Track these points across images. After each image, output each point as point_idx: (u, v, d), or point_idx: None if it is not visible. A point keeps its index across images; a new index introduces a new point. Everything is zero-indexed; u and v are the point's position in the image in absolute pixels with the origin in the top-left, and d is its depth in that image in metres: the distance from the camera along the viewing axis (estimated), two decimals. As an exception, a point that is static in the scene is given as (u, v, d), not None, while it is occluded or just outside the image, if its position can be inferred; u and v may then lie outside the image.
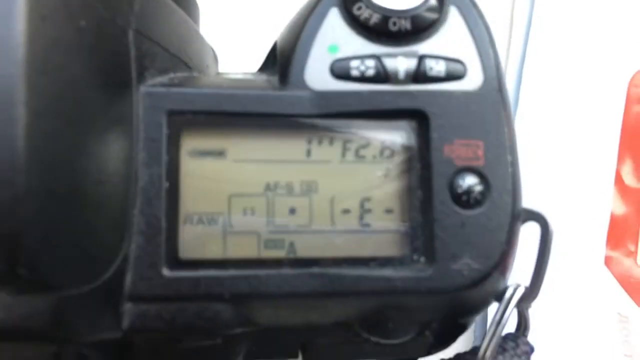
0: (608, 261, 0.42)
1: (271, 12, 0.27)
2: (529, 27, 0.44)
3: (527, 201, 0.41)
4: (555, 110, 0.43)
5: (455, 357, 0.23)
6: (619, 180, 0.42)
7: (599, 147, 0.43)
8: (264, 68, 0.24)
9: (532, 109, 0.43)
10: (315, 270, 0.20)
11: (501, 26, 0.44)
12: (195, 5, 0.28)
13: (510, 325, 0.23)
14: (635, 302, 0.41)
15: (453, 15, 0.22)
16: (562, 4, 0.44)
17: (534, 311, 0.39)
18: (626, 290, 0.41)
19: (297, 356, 0.24)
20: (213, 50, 0.28)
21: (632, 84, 0.43)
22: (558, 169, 0.43)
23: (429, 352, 0.24)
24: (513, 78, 0.44)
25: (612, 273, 0.42)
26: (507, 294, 0.22)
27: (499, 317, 0.22)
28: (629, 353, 0.39)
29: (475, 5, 0.22)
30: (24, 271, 0.16)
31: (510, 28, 0.45)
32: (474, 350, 0.22)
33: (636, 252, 0.42)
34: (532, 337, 0.39)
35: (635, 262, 0.42)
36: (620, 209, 0.42)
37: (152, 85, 0.20)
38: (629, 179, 0.42)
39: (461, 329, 0.23)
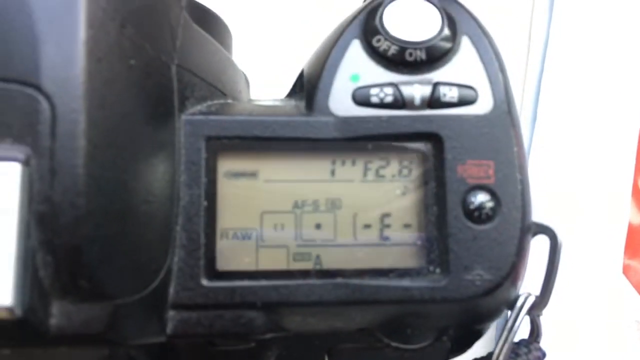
0: (626, 270, 0.43)
1: (299, 39, 0.29)
2: (547, 40, 0.46)
3: (547, 211, 0.42)
4: (573, 122, 0.44)
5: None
6: (636, 191, 0.43)
7: (617, 158, 0.44)
8: (292, 94, 0.26)
9: (551, 121, 0.44)
10: (339, 280, 0.22)
11: (520, 40, 0.45)
12: (228, 32, 0.31)
13: (524, 332, 0.24)
14: (653, 310, 0.42)
15: (465, 45, 0.23)
16: (579, 17, 0.45)
17: (554, 318, 0.40)
18: (644, 298, 0.42)
19: (323, 359, 0.26)
20: (245, 75, 0.30)
21: (649, 96, 0.44)
22: (577, 180, 0.44)
23: (447, 358, 0.26)
24: (532, 90, 0.45)
25: (630, 281, 0.43)
26: (519, 303, 0.23)
27: (510, 324, 0.23)
28: (647, 359, 0.40)
29: (486, 35, 0.24)
30: (84, 283, 0.18)
31: (529, 40, 0.46)
32: (489, 356, 0.24)
33: (654, 261, 0.43)
34: (551, 344, 0.41)
35: (653, 271, 0.43)
36: (637, 219, 0.43)
37: (192, 113, 0.22)
38: (646, 190, 0.43)
39: (477, 336, 0.25)
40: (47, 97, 0.18)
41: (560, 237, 0.24)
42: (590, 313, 0.42)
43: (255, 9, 0.38)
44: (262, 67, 0.33)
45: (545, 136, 0.44)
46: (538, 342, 0.26)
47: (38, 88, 0.17)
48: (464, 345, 0.25)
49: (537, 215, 0.40)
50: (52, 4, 0.18)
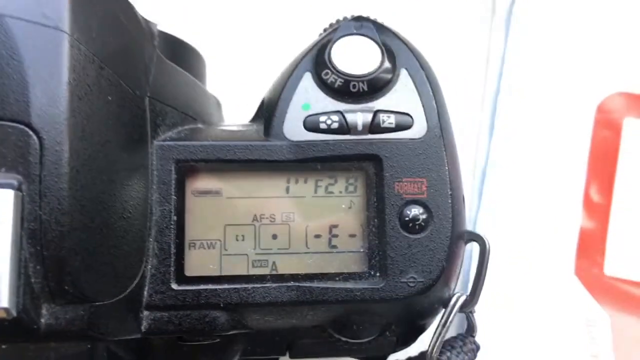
0: (578, 270, 0.46)
1: (266, 63, 0.33)
2: (505, 53, 0.49)
3: (505, 218, 0.45)
4: (529, 135, 0.48)
5: (407, 359, 0.28)
6: (587, 198, 0.47)
7: (570, 168, 0.47)
8: (255, 118, 0.29)
9: (507, 133, 0.48)
10: (292, 283, 0.25)
11: (478, 57, 0.49)
12: (201, 61, 0.34)
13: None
14: (603, 307, 0.45)
15: (403, 76, 0.27)
16: (535, 32, 0.49)
17: (509, 315, 0.43)
18: (594, 297, 0.46)
19: (285, 353, 0.29)
20: (216, 99, 0.33)
21: (599, 110, 0.48)
22: (533, 188, 0.47)
23: (395, 350, 0.29)
24: (490, 102, 0.48)
25: (581, 281, 0.46)
26: (452, 302, 0.27)
27: (443, 320, 0.27)
28: (595, 353, 0.44)
29: (423, 67, 0.27)
30: (69, 288, 0.21)
31: (488, 54, 0.49)
32: (424, 352, 0.27)
33: (603, 262, 0.46)
34: (504, 342, 0.44)
35: (602, 271, 0.46)
36: (588, 223, 0.46)
37: (163, 139, 0.26)
38: (596, 197, 0.47)
39: (420, 330, 0.28)
40: (36, 132, 0.21)
41: (488, 244, 0.27)
42: (544, 310, 0.45)
43: (230, 38, 0.41)
44: (234, 90, 0.36)
45: (501, 147, 0.47)
46: (473, 336, 0.29)
47: (28, 125, 0.21)
48: (409, 339, 0.29)
49: (498, 218, 0.43)
50: (39, 51, 0.21)
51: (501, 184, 0.47)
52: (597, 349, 0.44)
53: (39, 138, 0.21)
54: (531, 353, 0.43)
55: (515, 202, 0.46)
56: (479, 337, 0.29)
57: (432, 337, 0.27)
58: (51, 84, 0.21)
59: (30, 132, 0.21)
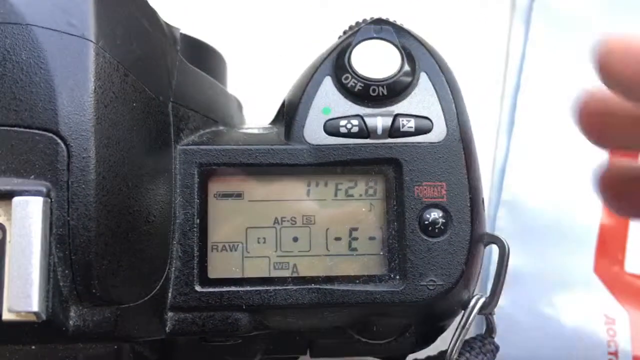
0: (597, 268, 0.46)
1: (287, 63, 0.33)
2: (525, 49, 0.49)
3: (525, 215, 0.45)
4: (549, 131, 0.47)
5: (427, 359, 0.29)
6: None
7: (590, 165, 0.47)
8: (275, 120, 0.29)
9: (527, 130, 0.47)
10: (313, 286, 0.26)
11: (499, 48, 0.48)
12: (222, 62, 0.34)
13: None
14: (622, 305, 0.45)
15: (423, 80, 0.27)
16: (556, 27, 0.48)
17: (527, 311, 0.43)
18: (613, 295, 0.46)
19: (305, 353, 0.30)
20: (237, 100, 0.34)
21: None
22: (553, 185, 0.47)
23: (414, 350, 0.29)
24: (509, 98, 0.48)
25: (601, 279, 0.46)
26: (471, 303, 0.27)
27: (463, 322, 0.27)
28: (613, 351, 0.43)
29: (443, 70, 0.27)
30: (96, 291, 0.22)
31: (508, 49, 0.49)
32: (443, 352, 0.28)
33: (623, 259, 0.46)
34: (526, 337, 0.44)
35: (623, 269, 0.46)
36: (608, 220, 0.46)
37: (186, 143, 0.26)
38: (616, 194, 0.46)
39: (440, 331, 0.29)
40: (64, 140, 0.21)
41: (508, 246, 0.27)
42: (564, 307, 0.45)
43: (251, 38, 0.41)
44: (256, 90, 0.37)
45: (522, 145, 0.47)
46: (492, 337, 0.29)
47: (56, 133, 0.21)
48: (429, 339, 0.29)
49: (518, 215, 0.43)
50: (66, 60, 0.22)
51: (521, 181, 0.47)
52: (615, 346, 0.44)
53: (67, 145, 0.21)
54: (551, 349, 0.43)
55: (535, 199, 0.46)
56: (500, 335, 0.29)
57: (452, 338, 0.27)
58: (77, 92, 0.22)
59: (58, 140, 0.21)
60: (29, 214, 0.21)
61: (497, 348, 0.29)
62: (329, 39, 0.29)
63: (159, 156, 0.25)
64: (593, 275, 0.46)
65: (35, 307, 0.20)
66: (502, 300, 0.28)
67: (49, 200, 0.21)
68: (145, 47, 0.25)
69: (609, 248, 0.46)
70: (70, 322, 0.22)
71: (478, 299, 0.27)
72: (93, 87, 0.22)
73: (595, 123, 0.26)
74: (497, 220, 0.46)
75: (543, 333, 0.44)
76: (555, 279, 0.45)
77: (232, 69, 0.35)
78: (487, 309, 0.27)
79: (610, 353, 0.43)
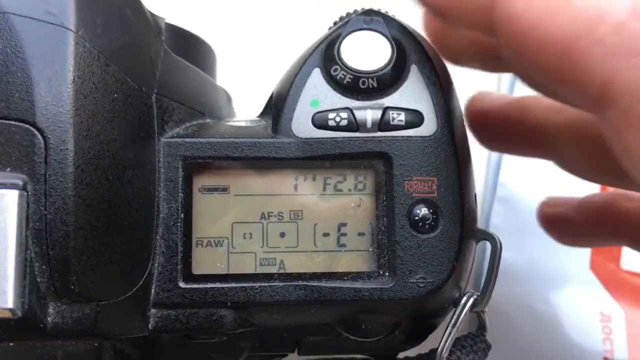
0: (593, 265, 0.46)
1: (278, 55, 0.32)
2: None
3: (520, 210, 0.45)
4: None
5: (417, 357, 0.28)
6: (604, 190, 0.46)
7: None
8: (263, 113, 0.29)
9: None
10: (300, 282, 0.25)
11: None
12: (211, 54, 0.33)
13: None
14: (618, 302, 0.45)
15: (414, 72, 0.26)
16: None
17: (522, 308, 0.43)
18: (609, 292, 0.45)
19: (293, 350, 0.29)
20: (226, 92, 0.33)
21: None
22: (548, 180, 0.46)
23: (404, 348, 0.29)
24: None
25: (597, 276, 0.45)
26: (462, 301, 0.26)
27: (454, 320, 0.26)
28: (608, 348, 0.43)
29: (434, 62, 0.26)
30: (74, 287, 0.21)
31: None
32: (434, 350, 0.27)
33: (619, 256, 0.45)
34: (519, 334, 0.43)
35: (619, 266, 0.45)
36: (604, 217, 0.46)
37: (171, 136, 0.26)
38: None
39: (430, 329, 0.28)
40: (41, 132, 0.21)
41: (500, 243, 0.27)
42: (559, 304, 0.45)
43: (241, 29, 0.41)
44: (245, 82, 0.36)
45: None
46: (484, 335, 0.29)
47: (33, 124, 0.21)
48: (419, 337, 0.28)
49: (512, 211, 0.43)
50: (44, 49, 0.21)
51: (516, 177, 0.47)
52: (611, 343, 0.44)
53: (44, 137, 0.21)
54: (545, 347, 0.43)
55: (531, 195, 0.46)
56: (491, 333, 0.29)
57: (442, 337, 0.26)
58: (56, 82, 0.21)
59: (35, 132, 0.21)
60: (4, 208, 0.20)
61: (488, 347, 0.28)
62: (321, 31, 0.28)
63: (142, 149, 0.24)
64: (589, 273, 0.46)
65: (10, 303, 0.20)
66: (497, 298, 0.28)
67: (25, 193, 0.20)
68: (127, 36, 0.24)
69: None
70: (49, 318, 0.21)
71: (469, 297, 0.26)
72: (72, 77, 0.21)
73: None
74: (492, 216, 0.46)
75: (538, 331, 0.43)
76: (551, 276, 0.45)
77: (221, 61, 0.34)
78: (479, 306, 0.27)
79: (605, 351, 0.43)
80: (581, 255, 0.45)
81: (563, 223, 0.37)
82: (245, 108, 0.33)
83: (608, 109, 0.21)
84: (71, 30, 0.22)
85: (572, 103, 0.23)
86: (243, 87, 0.36)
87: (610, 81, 0.20)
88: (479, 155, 0.31)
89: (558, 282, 0.45)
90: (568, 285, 0.45)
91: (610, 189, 0.39)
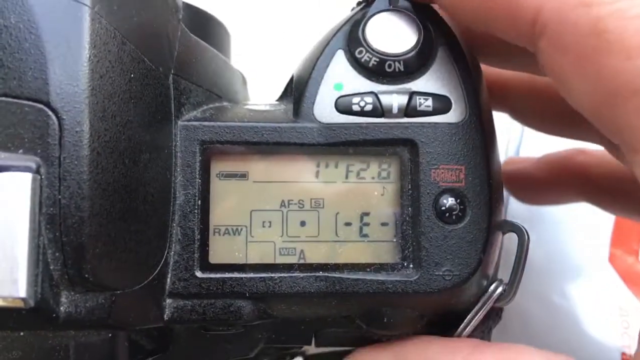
0: (612, 258, 0.45)
1: (294, 36, 0.31)
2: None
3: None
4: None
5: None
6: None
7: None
8: (283, 96, 0.27)
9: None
10: (321, 274, 0.24)
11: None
12: (226, 34, 0.32)
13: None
14: (636, 296, 0.44)
15: (441, 56, 0.25)
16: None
17: (539, 301, 0.42)
18: (628, 286, 0.44)
19: (310, 343, 0.28)
20: (242, 75, 0.32)
21: None
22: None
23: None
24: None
25: (616, 269, 0.44)
26: (490, 289, 0.25)
27: (478, 307, 0.25)
28: (627, 344, 0.42)
29: (462, 45, 0.25)
30: (89, 275, 0.20)
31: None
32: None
33: (639, 250, 0.44)
34: (537, 326, 0.43)
35: (637, 260, 0.44)
36: (624, 210, 0.45)
37: (188, 119, 0.24)
38: (633, 182, 0.45)
39: (455, 323, 0.27)
40: (55, 112, 0.20)
41: (528, 235, 0.26)
42: (577, 297, 0.44)
43: (257, 9, 0.39)
44: (261, 65, 0.35)
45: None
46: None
47: (47, 104, 0.20)
48: (443, 332, 0.27)
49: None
50: (59, 25, 0.20)
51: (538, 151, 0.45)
52: (629, 338, 0.43)
53: (58, 118, 0.20)
54: (563, 340, 0.42)
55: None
56: (510, 324, 0.28)
57: (463, 323, 0.25)
58: (71, 60, 0.20)
59: (49, 112, 0.20)
60: (17, 191, 0.19)
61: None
62: (342, 11, 0.27)
63: (158, 132, 0.23)
64: (608, 265, 0.45)
65: (22, 292, 0.19)
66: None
67: (39, 176, 0.19)
68: (144, 13, 0.23)
69: (625, 238, 0.45)
70: (61, 308, 0.20)
71: (498, 285, 0.25)
72: (88, 55, 0.20)
73: None
74: (510, 204, 0.45)
75: (555, 323, 0.43)
76: (568, 268, 0.44)
77: (235, 42, 0.33)
78: (506, 300, 0.26)
79: (623, 346, 0.42)
80: (600, 248, 0.44)
81: (523, 180, 0.38)
82: (260, 92, 0.32)
83: (540, 38, 0.22)
84: (87, 5, 0.20)
85: (509, 37, 0.23)
86: (258, 70, 0.34)
87: (539, 10, 0.21)
88: (498, 140, 0.30)
89: (575, 275, 0.44)
90: (586, 278, 0.44)
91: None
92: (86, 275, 0.20)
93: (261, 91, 0.31)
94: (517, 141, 0.46)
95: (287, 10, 0.40)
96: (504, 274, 0.26)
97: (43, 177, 0.19)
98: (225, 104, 0.27)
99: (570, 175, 0.36)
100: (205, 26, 0.29)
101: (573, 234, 0.44)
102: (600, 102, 0.21)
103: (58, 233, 0.20)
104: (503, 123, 0.44)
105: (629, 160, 0.22)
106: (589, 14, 0.20)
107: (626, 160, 0.22)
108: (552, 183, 0.36)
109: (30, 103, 0.20)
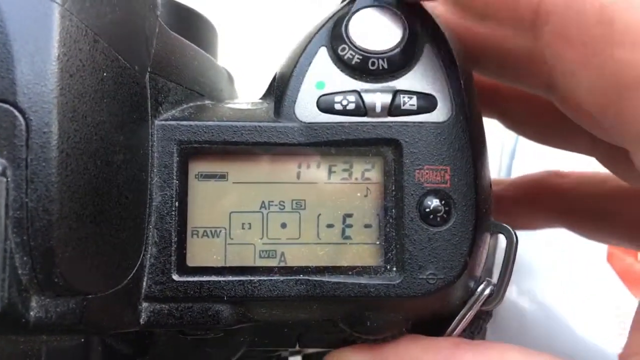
0: (610, 257, 0.44)
1: (284, 33, 0.31)
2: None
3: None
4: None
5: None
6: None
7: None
8: (266, 95, 0.27)
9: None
10: (302, 277, 0.23)
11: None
12: (212, 31, 0.32)
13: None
14: (635, 296, 0.43)
15: (428, 54, 0.24)
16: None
17: (536, 301, 0.41)
18: (626, 285, 0.43)
19: (294, 346, 0.28)
20: (228, 72, 0.31)
21: None
22: (566, 168, 0.44)
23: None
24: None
25: (614, 268, 0.44)
26: (478, 291, 0.25)
27: (465, 310, 0.25)
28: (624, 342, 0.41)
29: (449, 42, 0.25)
30: (58, 280, 0.20)
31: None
32: None
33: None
34: (535, 328, 0.42)
35: (636, 259, 0.44)
36: (622, 208, 0.44)
37: (165, 118, 0.24)
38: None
39: (440, 328, 0.26)
40: (22, 113, 0.19)
41: (516, 236, 0.25)
42: (576, 296, 0.43)
43: (245, 5, 0.39)
44: (250, 62, 0.34)
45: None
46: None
47: (14, 104, 0.19)
48: (439, 329, 0.27)
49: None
50: (26, 23, 0.20)
51: (531, 166, 0.45)
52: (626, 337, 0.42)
53: (25, 119, 0.19)
54: (561, 340, 0.41)
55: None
56: (507, 324, 0.27)
57: (452, 325, 0.25)
58: (39, 59, 0.19)
59: (16, 113, 0.19)
60: (-19, 195, 0.18)
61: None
62: (329, 7, 0.26)
63: (134, 132, 0.23)
64: (606, 265, 0.44)
65: (-13, 298, 0.18)
66: (508, 290, 0.26)
67: (5, 179, 0.19)
68: (119, 10, 0.22)
69: (623, 237, 0.44)
70: (31, 312, 0.20)
71: (486, 287, 0.25)
72: (57, 54, 0.20)
73: None
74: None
75: (552, 324, 0.42)
76: (566, 268, 0.43)
77: (223, 39, 0.33)
78: (493, 303, 0.25)
79: (621, 346, 0.41)
80: (598, 248, 0.43)
81: (495, 203, 0.36)
82: (249, 90, 0.31)
83: (543, 27, 0.21)
84: (57, 2, 0.20)
85: (511, 26, 0.23)
86: (246, 67, 0.34)
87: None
88: (492, 144, 0.29)
89: (573, 275, 0.43)
90: (584, 277, 0.43)
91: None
92: (56, 280, 0.20)
93: (251, 89, 0.31)
94: (512, 144, 0.45)
95: (277, 8, 0.39)
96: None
97: (9, 179, 0.19)
98: (206, 102, 0.26)
99: (546, 198, 0.34)
100: (188, 22, 0.29)
101: (571, 233, 0.43)
102: (606, 95, 0.20)
103: (25, 237, 0.19)
104: (497, 125, 0.43)
105: (636, 154, 0.21)
106: (594, 2, 0.20)
107: (631, 157, 0.21)
108: (526, 207, 0.34)
109: (-3, 103, 0.19)
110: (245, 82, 0.33)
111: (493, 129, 0.31)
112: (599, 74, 0.20)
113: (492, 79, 0.27)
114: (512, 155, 0.45)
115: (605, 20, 0.20)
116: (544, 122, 0.30)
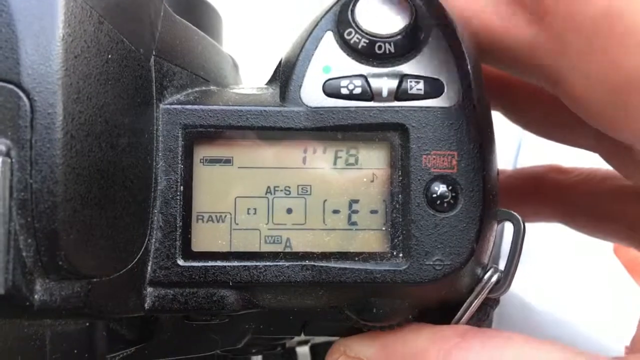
0: (617, 249, 0.44)
1: (290, 19, 0.30)
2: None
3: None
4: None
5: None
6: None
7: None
8: (272, 80, 0.27)
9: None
10: (307, 262, 0.23)
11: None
12: (217, 17, 0.31)
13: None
14: (640, 286, 0.43)
15: (435, 38, 0.24)
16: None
17: (541, 293, 0.41)
18: (632, 276, 0.43)
19: (300, 334, 0.27)
20: (232, 59, 0.31)
21: None
22: (571, 160, 0.44)
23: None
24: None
25: (620, 260, 0.43)
26: (485, 278, 0.24)
27: (472, 297, 0.24)
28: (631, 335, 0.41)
29: (457, 26, 0.24)
30: (63, 263, 0.20)
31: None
32: None
33: (644, 241, 0.43)
34: (543, 321, 0.42)
35: (643, 251, 0.43)
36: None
37: (170, 102, 0.24)
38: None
39: (448, 315, 0.26)
40: (26, 93, 0.19)
41: (523, 224, 0.25)
42: (584, 286, 0.43)
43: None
44: (255, 49, 0.34)
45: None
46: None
47: (18, 85, 0.19)
48: (439, 321, 0.27)
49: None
50: (31, 4, 0.19)
51: (537, 155, 0.44)
52: (633, 329, 0.42)
53: (30, 99, 0.19)
54: (566, 331, 0.41)
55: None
56: (516, 313, 0.27)
57: (459, 313, 0.25)
58: (43, 40, 0.19)
59: (20, 93, 0.19)
60: (-15, 175, 0.18)
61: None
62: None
63: (138, 115, 0.22)
64: (612, 257, 0.44)
65: (-9, 280, 0.18)
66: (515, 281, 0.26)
67: (9, 160, 0.19)
68: (124, -8, 0.22)
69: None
70: (35, 296, 0.20)
71: (491, 277, 0.24)
72: (61, 35, 0.19)
73: None
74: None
75: (556, 314, 0.42)
76: (572, 259, 0.43)
77: (228, 25, 0.32)
78: (500, 291, 0.25)
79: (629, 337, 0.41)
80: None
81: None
82: (254, 76, 0.31)
83: (550, 20, 0.21)
84: (61, -18, 0.20)
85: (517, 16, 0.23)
86: (251, 55, 0.34)
87: None
88: (498, 136, 0.28)
89: (578, 266, 0.43)
90: (590, 269, 0.43)
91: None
92: (60, 263, 0.20)
93: (255, 77, 0.31)
94: (518, 136, 0.44)
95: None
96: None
97: (14, 160, 0.19)
98: (212, 87, 0.26)
99: (544, 193, 0.34)
100: (193, 8, 0.28)
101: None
102: (612, 89, 0.20)
103: (30, 218, 0.19)
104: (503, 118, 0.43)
105: None
106: None
107: (635, 153, 0.21)
108: (524, 199, 0.34)
109: (1, 84, 0.19)
110: (249, 69, 0.33)
111: (499, 121, 0.31)
112: (605, 68, 0.20)
113: (498, 69, 0.27)
114: (517, 149, 0.44)
115: (612, 13, 0.19)
116: (548, 116, 0.30)
